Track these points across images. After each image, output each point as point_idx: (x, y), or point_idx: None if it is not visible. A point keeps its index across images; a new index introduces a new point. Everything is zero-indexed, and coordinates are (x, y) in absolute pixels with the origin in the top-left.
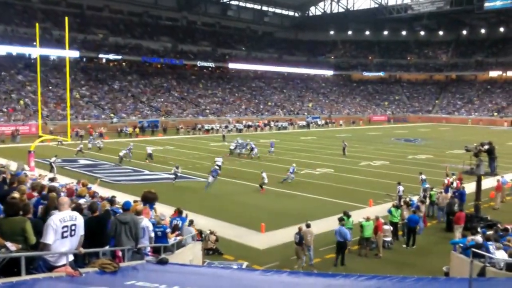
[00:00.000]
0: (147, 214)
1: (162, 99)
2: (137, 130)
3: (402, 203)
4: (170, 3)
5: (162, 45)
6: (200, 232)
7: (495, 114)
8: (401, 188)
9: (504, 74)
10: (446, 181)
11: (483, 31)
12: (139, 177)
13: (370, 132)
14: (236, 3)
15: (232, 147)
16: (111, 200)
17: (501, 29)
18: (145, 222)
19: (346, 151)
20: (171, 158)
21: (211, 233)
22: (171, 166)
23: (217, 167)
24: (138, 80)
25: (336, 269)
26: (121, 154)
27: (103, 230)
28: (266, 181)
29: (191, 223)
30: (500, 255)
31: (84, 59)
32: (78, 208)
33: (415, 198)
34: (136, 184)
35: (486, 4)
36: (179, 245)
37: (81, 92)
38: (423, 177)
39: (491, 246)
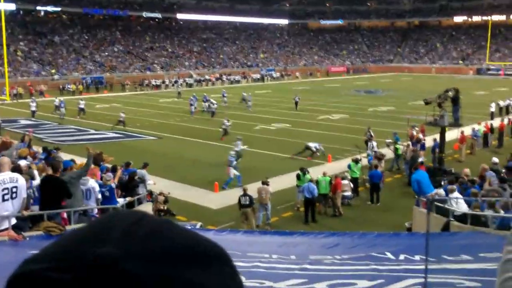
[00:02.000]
0: (94, 175)
1: (106, 54)
2: (80, 87)
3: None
4: None
5: None
6: (150, 193)
7: (460, 62)
8: (374, 143)
9: (469, 19)
10: (414, 133)
11: None
12: (84, 137)
13: (328, 84)
14: None
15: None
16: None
17: None
18: (91, 183)
19: (298, 106)
20: (117, 116)
21: (160, 193)
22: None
23: (232, 153)
24: (80, 33)
25: (314, 226)
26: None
27: (62, 192)
28: (225, 127)
29: (145, 166)
30: (464, 208)
31: (21, 12)
32: (18, 169)
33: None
34: (81, 144)
35: None
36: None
37: (19, 47)
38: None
39: (454, 199)
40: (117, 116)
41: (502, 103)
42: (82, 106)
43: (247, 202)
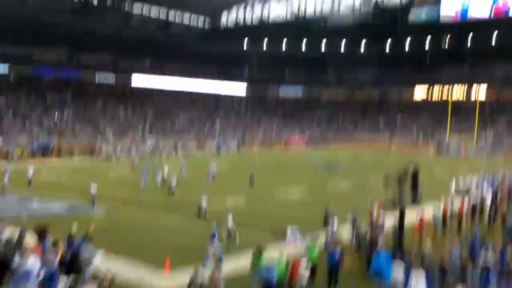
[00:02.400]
0: (37, 252)
1: (55, 118)
2: (25, 152)
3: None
4: (65, 7)
5: (56, 55)
6: (94, 275)
7: (420, 139)
8: (334, 223)
9: (430, 95)
10: (373, 213)
11: (407, 46)
12: (27, 209)
13: (287, 157)
14: (139, 11)
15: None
16: None
17: (427, 44)
18: (31, 263)
19: (254, 182)
20: (64, 184)
21: (104, 276)
22: (65, 195)
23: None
24: (27, 95)
25: None
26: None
27: None
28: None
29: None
30: None
31: None
32: None
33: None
34: (24, 217)
35: (411, 18)
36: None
37: None
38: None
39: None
40: (63, 184)
41: (460, 184)
42: (30, 175)
43: (198, 285)
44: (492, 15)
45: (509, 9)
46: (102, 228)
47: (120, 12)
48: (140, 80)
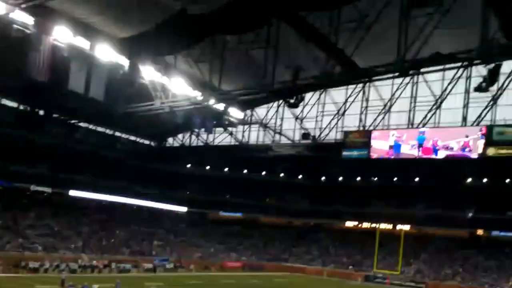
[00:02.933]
0: None
1: None
2: None
3: None
4: (7, 116)
5: None
6: None
7: (350, 267)
8: None
9: (360, 225)
10: None
11: (340, 179)
12: None
13: (223, 280)
14: (85, 125)
15: None
16: None
17: (358, 179)
18: None
19: None
20: None
21: None
22: None
23: None
24: None
25: None
26: None
27: None
28: None
29: None
30: None
31: None
32: None
33: None
34: None
35: (344, 153)
36: None
37: None
38: None
39: None
40: None
41: None
42: None
43: None
44: (420, 153)
45: (438, 149)
46: None
47: (66, 125)
48: (78, 192)
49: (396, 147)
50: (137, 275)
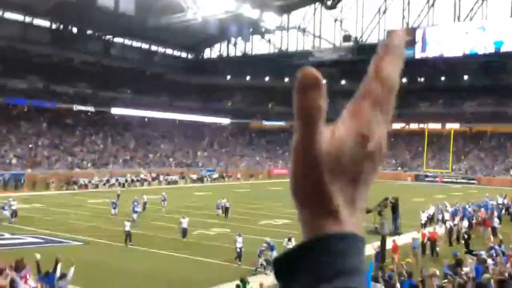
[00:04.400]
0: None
1: (29, 147)
2: None
3: None
4: (41, 36)
5: (31, 85)
6: None
7: (399, 168)
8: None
9: (407, 126)
10: None
11: None
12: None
13: (270, 187)
14: (120, 40)
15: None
16: None
17: (404, 80)
18: None
19: (228, 213)
20: (38, 218)
21: None
22: (39, 228)
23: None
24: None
25: None
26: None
27: None
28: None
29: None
30: None
31: None
32: None
33: None
34: None
35: None
36: None
37: None
38: None
39: None
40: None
41: (430, 212)
42: (15, 207)
43: None
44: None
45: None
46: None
47: (101, 42)
48: (120, 109)
49: (432, 44)
50: (185, 186)
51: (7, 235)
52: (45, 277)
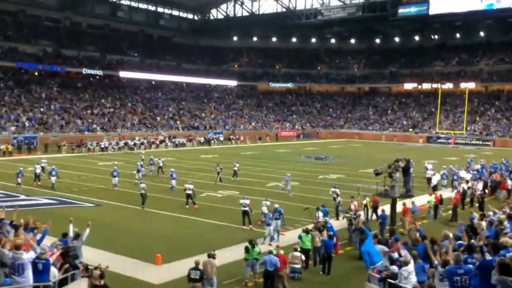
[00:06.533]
0: (30, 247)
1: (41, 111)
2: (9, 147)
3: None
4: (50, 1)
5: (41, 49)
6: (86, 267)
7: (410, 129)
8: (321, 214)
9: (419, 87)
10: (353, 206)
11: (397, 40)
12: (13, 203)
13: (278, 150)
14: (127, 3)
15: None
16: None
17: (416, 38)
18: (27, 257)
19: (237, 175)
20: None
21: (96, 268)
22: (50, 190)
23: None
24: (12, 89)
25: None
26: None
27: None
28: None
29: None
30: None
31: None
32: None
33: (333, 221)
34: (9, 211)
35: (400, 11)
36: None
37: None
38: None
39: (405, 272)
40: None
41: (450, 172)
42: (42, 168)
43: (197, 277)
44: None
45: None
46: (94, 222)
47: (108, 5)
48: (128, 72)
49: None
50: (192, 149)
51: (22, 197)
52: (63, 238)
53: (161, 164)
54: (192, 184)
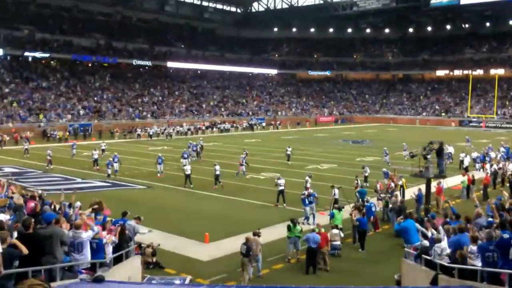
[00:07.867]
0: (88, 226)
1: (95, 99)
2: (66, 134)
3: (337, 207)
4: None
5: (94, 42)
6: (139, 245)
7: (443, 114)
8: (336, 191)
9: (451, 73)
10: (378, 186)
11: (429, 29)
12: (70, 186)
13: (317, 134)
14: None
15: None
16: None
17: (448, 27)
18: (85, 236)
19: (290, 159)
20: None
21: (148, 246)
22: (105, 173)
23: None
24: (68, 79)
25: (307, 278)
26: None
27: (40, 248)
28: (218, 173)
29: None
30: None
31: (9, 57)
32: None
33: (374, 200)
34: (68, 194)
35: (432, 1)
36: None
37: (5, 92)
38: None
39: (438, 248)
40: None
41: (474, 155)
42: (102, 150)
43: (244, 252)
44: None
45: None
46: (143, 203)
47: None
48: (175, 63)
49: None
50: (236, 134)
51: (78, 180)
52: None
53: (201, 144)
54: (218, 165)
